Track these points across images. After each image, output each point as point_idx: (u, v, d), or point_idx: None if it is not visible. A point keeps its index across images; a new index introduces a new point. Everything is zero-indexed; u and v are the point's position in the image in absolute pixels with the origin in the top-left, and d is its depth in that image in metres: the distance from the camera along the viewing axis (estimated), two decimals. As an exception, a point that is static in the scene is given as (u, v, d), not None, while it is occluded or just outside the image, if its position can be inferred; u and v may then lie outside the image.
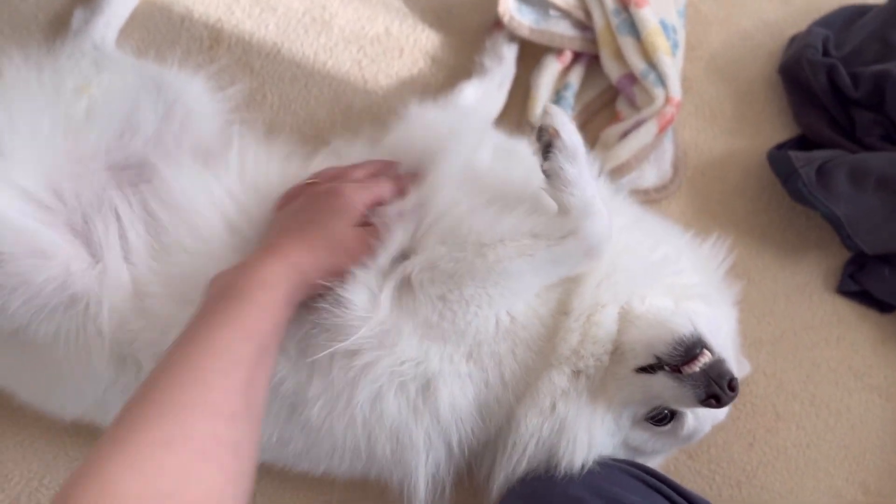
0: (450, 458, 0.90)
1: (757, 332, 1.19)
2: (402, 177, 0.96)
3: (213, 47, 1.27)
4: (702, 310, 0.90)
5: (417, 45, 1.29)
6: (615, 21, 1.22)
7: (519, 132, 1.20)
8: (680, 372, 0.82)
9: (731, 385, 0.82)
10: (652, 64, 1.19)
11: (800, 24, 1.33)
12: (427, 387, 0.86)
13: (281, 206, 0.96)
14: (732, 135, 1.29)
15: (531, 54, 1.25)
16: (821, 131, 1.24)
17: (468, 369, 0.86)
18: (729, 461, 1.13)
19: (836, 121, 1.25)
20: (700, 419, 0.91)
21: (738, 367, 1.02)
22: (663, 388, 0.84)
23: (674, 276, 0.94)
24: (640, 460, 0.94)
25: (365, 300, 0.84)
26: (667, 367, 0.83)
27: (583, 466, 0.87)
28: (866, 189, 1.13)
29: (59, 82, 0.97)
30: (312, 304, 0.86)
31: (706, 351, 0.83)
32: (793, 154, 1.17)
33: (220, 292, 0.79)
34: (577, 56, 1.26)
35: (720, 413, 0.94)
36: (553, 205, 0.85)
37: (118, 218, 0.92)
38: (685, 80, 1.29)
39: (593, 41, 1.25)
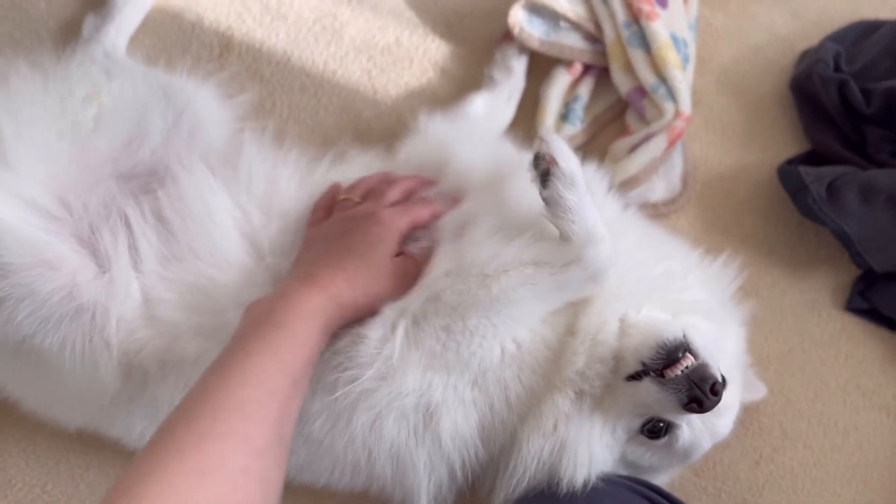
0: (452, 479, 0.90)
1: (765, 348, 1.18)
2: (436, 199, 0.96)
3: (223, 55, 1.27)
4: (701, 324, 0.89)
5: (427, 55, 1.29)
6: (626, 34, 1.21)
7: (528, 144, 1.20)
8: (663, 376, 0.82)
9: (714, 389, 0.80)
10: (662, 77, 1.19)
11: (811, 39, 1.32)
12: (429, 415, 0.85)
13: (313, 223, 0.95)
14: (742, 149, 1.28)
15: (541, 66, 1.25)
16: (831, 147, 1.23)
17: (472, 396, 0.86)
18: (735, 479, 1.12)
19: (847, 137, 1.24)
20: (696, 433, 0.89)
21: (750, 389, 1.01)
22: (648, 394, 0.83)
23: (679, 293, 0.93)
24: (646, 478, 0.93)
25: (380, 336, 0.84)
26: (651, 373, 0.82)
27: (585, 483, 0.86)
28: (876, 206, 1.13)
29: (68, 90, 0.98)
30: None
31: (689, 355, 0.82)
32: (803, 170, 1.16)
33: (258, 320, 0.79)
34: (586, 68, 1.26)
35: (719, 429, 0.92)
36: (554, 229, 0.85)
37: (128, 226, 0.92)
38: (695, 94, 1.29)
39: (603, 54, 1.24)
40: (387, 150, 1.14)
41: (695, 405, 0.80)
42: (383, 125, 1.25)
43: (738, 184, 1.26)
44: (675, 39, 1.22)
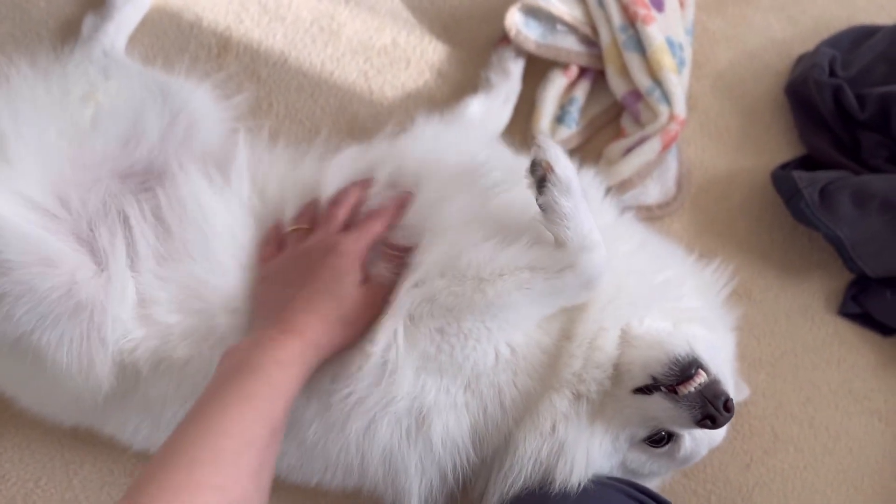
0: (443, 481, 0.90)
1: (757, 352, 1.18)
2: (385, 204, 0.95)
3: (221, 55, 1.28)
4: (701, 333, 0.90)
5: (424, 57, 1.29)
6: (622, 37, 1.22)
7: (524, 147, 1.21)
8: (676, 392, 0.82)
9: (727, 406, 0.82)
10: (657, 81, 1.19)
11: (807, 44, 1.32)
12: (421, 418, 0.86)
13: (266, 258, 0.95)
14: (737, 153, 1.29)
15: (537, 69, 1.26)
16: (826, 152, 1.24)
17: (465, 399, 0.86)
18: (725, 482, 1.13)
19: (842, 142, 1.24)
20: (697, 441, 0.91)
21: (736, 390, 1.02)
22: (659, 409, 0.84)
23: (676, 301, 0.94)
24: (637, 481, 0.94)
25: (384, 346, 0.85)
26: (663, 388, 0.83)
27: (578, 485, 0.87)
28: (870, 211, 1.13)
29: (66, 90, 0.98)
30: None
31: (701, 371, 0.83)
32: (796, 174, 1.17)
33: (235, 367, 0.79)
34: (582, 71, 1.27)
35: (716, 435, 0.93)
36: (550, 235, 0.85)
37: (126, 225, 0.93)
38: (691, 98, 1.29)
39: (599, 57, 1.25)
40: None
41: (708, 422, 0.81)
42: (380, 126, 1.25)
43: (733, 188, 1.26)
44: (670, 43, 1.22)
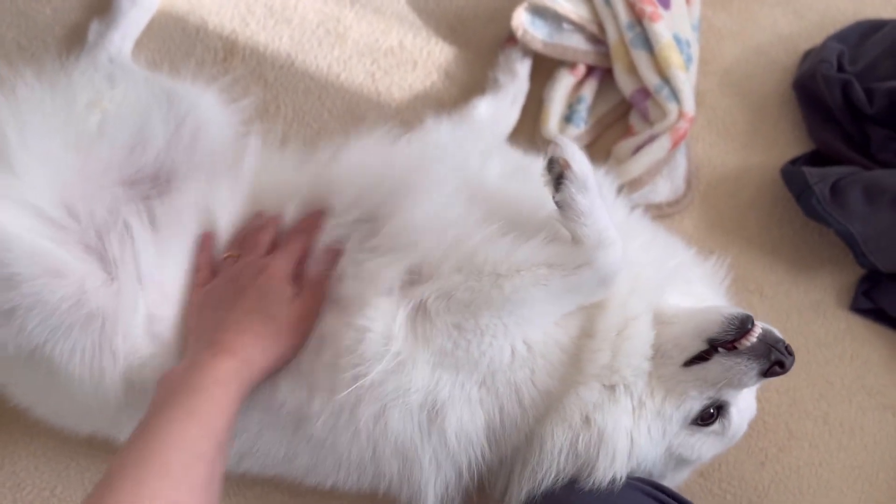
0: (458, 478, 0.90)
1: (769, 348, 1.18)
2: (305, 222, 0.97)
3: (227, 59, 1.27)
4: None
5: (431, 58, 1.29)
6: (629, 35, 1.22)
7: (533, 147, 1.21)
8: (735, 349, 0.83)
9: (789, 349, 0.84)
10: (665, 78, 1.19)
11: (814, 39, 1.32)
12: (434, 412, 0.86)
13: (199, 284, 0.95)
14: (746, 149, 1.29)
15: (544, 69, 1.26)
16: (835, 147, 1.24)
17: (479, 395, 0.86)
18: (741, 480, 1.13)
19: (851, 137, 1.24)
20: (741, 413, 0.91)
21: None
22: (722, 370, 0.84)
23: (686, 285, 0.95)
24: (676, 472, 0.94)
25: (383, 329, 0.85)
26: (720, 349, 0.84)
27: (616, 479, 0.86)
28: (881, 207, 1.13)
29: (72, 98, 0.98)
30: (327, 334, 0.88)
31: (757, 322, 0.85)
32: (807, 170, 1.17)
33: (175, 388, 0.80)
34: (590, 70, 1.26)
35: (753, 408, 0.95)
36: (566, 232, 0.85)
37: (131, 236, 0.93)
38: (699, 95, 1.29)
39: (607, 55, 1.24)
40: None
41: (777, 367, 0.83)
42: (387, 128, 1.25)
43: (742, 184, 1.26)
44: (678, 40, 1.22)
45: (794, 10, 1.36)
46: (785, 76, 1.32)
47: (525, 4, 1.23)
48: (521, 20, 1.23)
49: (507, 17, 1.23)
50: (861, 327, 1.20)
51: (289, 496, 1.08)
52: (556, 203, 0.83)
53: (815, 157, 1.26)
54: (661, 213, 1.23)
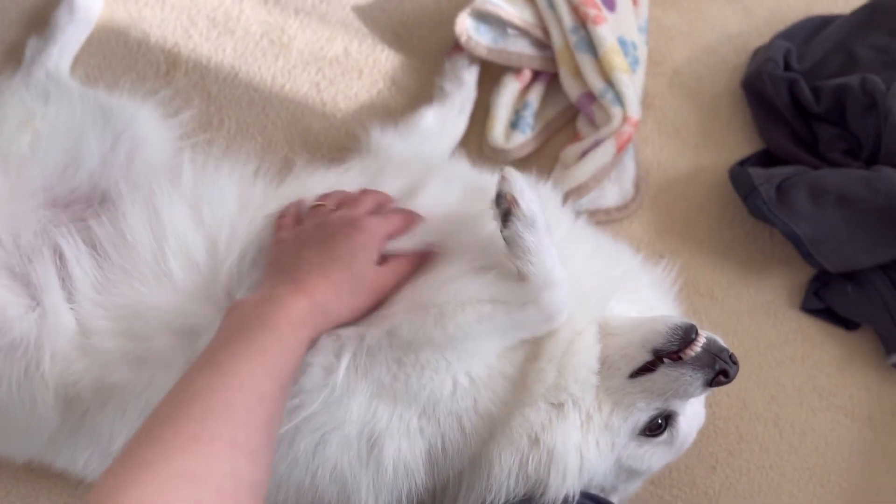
0: None
1: (721, 351, 1.17)
2: (407, 210, 0.94)
3: (169, 72, 1.26)
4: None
5: (377, 66, 1.28)
6: (573, 39, 1.21)
7: (480, 156, 1.20)
8: (680, 359, 0.83)
9: (733, 358, 0.84)
10: (609, 82, 1.18)
11: (764, 37, 1.31)
12: (372, 443, 0.84)
13: (281, 227, 0.93)
14: (696, 150, 1.28)
15: (493, 76, 1.24)
16: (784, 146, 1.23)
17: (419, 425, 0.85)
18: (691, 485, 1.12)
19: (799, 136, 1.23)
20: (689, 421, 0.91)
21: None
22: (668, 381, 0.84)
23: (635, 292, 0.95)
24: (628, 484, 0.94)
25: (326, 364, 0.83)
26: (666, 360, 0.83)
27: (569, 497, 0.85)
28: (826, 207, 1.12)
29: (2, 118, 0.97)
30: None
31: (701, 332, 0.84)
32: (752, 171, 1.16)
33: (245, 321, 0.78)
34: (536, 75, 1.25)
35: (702, 415, 0.94)
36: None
37: (61, 256, 0.91)
38: (648, 96, 1.28)
39: (552, 60, 1.23)
40: (337, 162, 1.12)
41: (721, 377, 0.83)
42: (333, 138, 1.24)
43: (692, 186, 1.25)
44: (622, 43, 1.21)
45: (744, 8, 1.35)
46: (735, 75, 1.31)
47: (468, 10, 1.22)
48: (465, 26, 1.21)
49: (452, 23, 1.21)
50: (812, 328, 1.19)
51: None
52: (504, 238, 0.82)
53: (766, 157, 1.25)
54: (609, 217, 1.22)
